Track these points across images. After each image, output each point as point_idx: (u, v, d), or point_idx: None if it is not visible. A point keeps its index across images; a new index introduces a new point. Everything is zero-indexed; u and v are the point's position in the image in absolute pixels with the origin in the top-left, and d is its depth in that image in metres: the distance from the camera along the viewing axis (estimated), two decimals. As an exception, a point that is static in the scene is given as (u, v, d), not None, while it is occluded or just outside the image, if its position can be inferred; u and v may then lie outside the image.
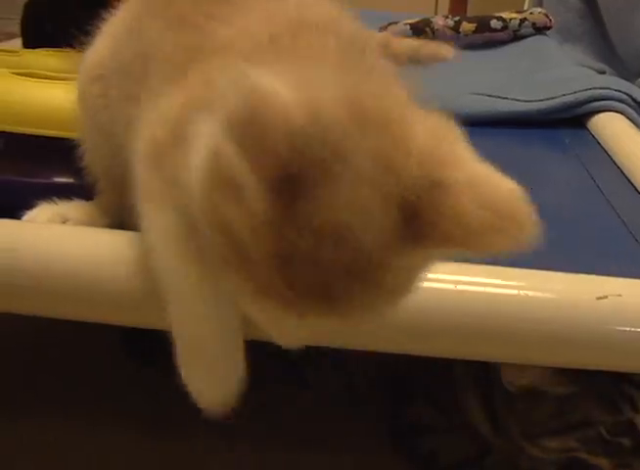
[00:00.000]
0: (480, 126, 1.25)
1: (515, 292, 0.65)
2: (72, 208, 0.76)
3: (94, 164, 0.75)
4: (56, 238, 0.69)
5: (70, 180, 0.83)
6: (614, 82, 1.34)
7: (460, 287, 0.65)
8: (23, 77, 0.84)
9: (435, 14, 3.12)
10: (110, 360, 1.07)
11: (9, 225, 0.70)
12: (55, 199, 0.76)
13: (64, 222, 0.74)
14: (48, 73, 0.86)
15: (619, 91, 1.29)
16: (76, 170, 0.77)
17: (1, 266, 0.67)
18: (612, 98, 1.27)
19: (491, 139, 1.22)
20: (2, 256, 0.67)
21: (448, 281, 0.65)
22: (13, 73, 0.84)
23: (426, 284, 0.64)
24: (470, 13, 3.10)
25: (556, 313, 0.64)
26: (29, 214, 0.74)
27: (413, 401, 0.97)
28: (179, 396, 1.02)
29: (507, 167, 1.08)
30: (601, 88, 1.29)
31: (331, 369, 1.03)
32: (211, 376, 0.58)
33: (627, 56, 1.92)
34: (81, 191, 0.77)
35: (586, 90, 1.27)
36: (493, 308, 0.64)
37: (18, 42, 1.24)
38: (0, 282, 0.67)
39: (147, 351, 1.06)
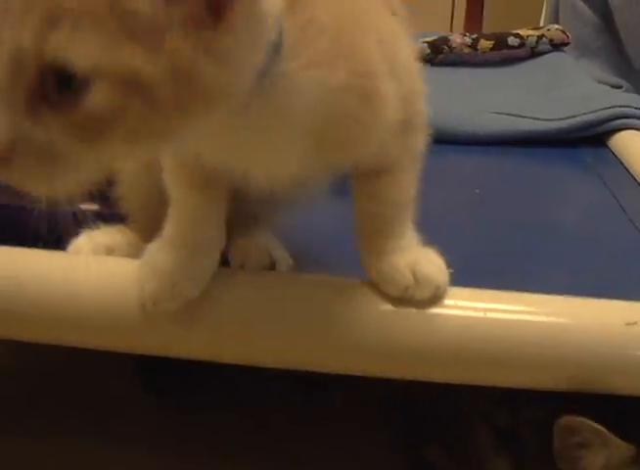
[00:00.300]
0: (500, 145, 1.25)
1: (544, 319, 0.65)
2: (117, 236, 0.76)
3: (130, 195, 0.75)
4: (57, 265, 0.70)
5: (96, 206, 0.82)
6: (634, 100, 1.34)
7: (489, 314, 0.65)
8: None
9: (451, 31, 3.13)
10: (114, 385, 1.07)
11: (10, 253, 0.71)
12: (97, 225, 0.75)
13: (109, 253, 0.74)
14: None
15: (639, 108, 1.29)
16: (103, 196, 0.76)
17: (3, 293, 0.68)
18: (632, 116, 1.27)
19: (512, 158, 1.22)
20: (4, 283, 0.68)
21: (477, 309, 0.65)
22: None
23: (455, 311, 0.65)
24: (485, 30, 3.10)
25: (585, 340, 0.64)
26: (74, 245, 0.74)
27: (429, 437, 0.94)
28: (186, 420, 1.03)
29: (528, 187, 1.10)
30: (621, 106, 1.29)
31: (344, 389, 1.02)
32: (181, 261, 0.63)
33: (644, 70, 1.92)
34: (108, 217, 0.77)
35: (607, 109, 1.27)
36: (522, 335, 0.64)
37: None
38: (2, 309, 0.68)
39: (163, 382, 1.05)
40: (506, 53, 1.70)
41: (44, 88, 0.44)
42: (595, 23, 2.02)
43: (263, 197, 0.66)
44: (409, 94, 0.63)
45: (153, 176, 0.68)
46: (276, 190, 0.63)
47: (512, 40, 1.71)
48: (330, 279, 0.68)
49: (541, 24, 2.22)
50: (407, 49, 0.64)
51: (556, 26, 1.79)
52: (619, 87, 1.95)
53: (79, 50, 0.43)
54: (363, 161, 0.63)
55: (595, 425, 0.69)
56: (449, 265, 0.67)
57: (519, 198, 1.07)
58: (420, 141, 0.66)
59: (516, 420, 0.79)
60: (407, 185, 0.65)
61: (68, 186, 0.48)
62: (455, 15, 3.17)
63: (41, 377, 1.10)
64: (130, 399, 1.05)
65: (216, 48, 0.46)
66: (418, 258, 0.65)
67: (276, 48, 0.51)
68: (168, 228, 0.65)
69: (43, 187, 0.48)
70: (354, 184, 0.66)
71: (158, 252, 0.64)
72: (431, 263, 0.65)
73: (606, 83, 1.93)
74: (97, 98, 0.44)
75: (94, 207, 0.83)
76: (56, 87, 0.44)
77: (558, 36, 1.75)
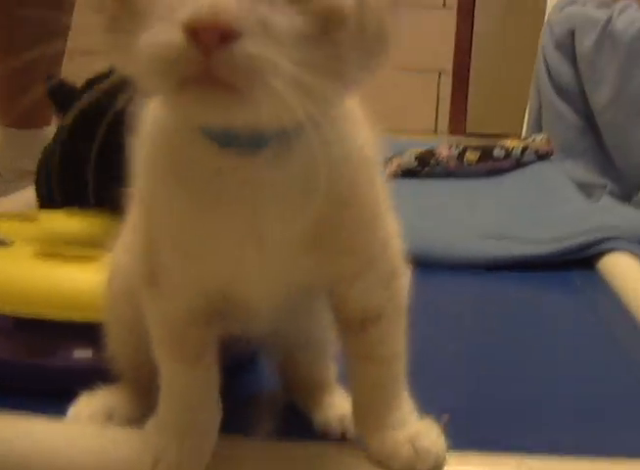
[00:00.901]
0: (489, 270, 1.26)
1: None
2: (115, 398, 0.74)
3: (120, 357, 0.74)
4: (50, 433, 0.69)
5: (90, 353, 0.82)
6: (621, 220, 1.36)
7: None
8: (47, 258, 0.84)
9: (435, 131, 3.20)
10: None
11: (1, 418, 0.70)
12: (96, 385, 0.74)
13: (108, 419, 0.72)
14: (72, 253, 0.86)
15: (627, 231, 1.30)
16: (96, 351, 0.76)
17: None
18: (620, 238, 1.29)
19: (501, 283, 1.23)
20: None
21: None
22: (37, 253, 0.84)
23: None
24: (469, 129, 3.16)
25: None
26: (72, 412, 0.72)
27: None
28: None
29: (518, 317, 1.10)
30: (609, 228, 1.30)
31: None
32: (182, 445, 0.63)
33: (627, 170, 1.96)
34: (101, 373, 0.76)
35: (595, 231, 1.29)
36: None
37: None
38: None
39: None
40: (492, 165, 1.74)
41: None
42: (578, 126, 2.06)
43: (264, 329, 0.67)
44: (390, 238, 0.63)
45: (141, 339, 0.67)
46: (272, 307, 0.63)
47: (497, 152, 1.74)
48: (332, 449, 0.68)
49: (524, 125, 2.26)
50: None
51: (540, 137, 1.83)
52: (604, 187, 1.98)
53: None
54: (354, 291, 0.62)
55: None
56: (439, 413, 0.66)
57: (508, 331, 1.07)
58: (403, 287, 0.65)
59: None
60: (396, 338, 0.65)
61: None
62: (439, 114, 3.23)
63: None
64: None
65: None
66: (418, 432, 0.65)
67: None
68: (163, 410, 0.65)
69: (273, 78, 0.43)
70: (343, 343, 0.66)
71: (157, 438, 0.64)
72: (430, 434, 0.65)
73: (590, 184, 1.97)
74: None
75: (88, 354, 0.83)
76: None
77: (542, 147, 1.78)
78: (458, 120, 3.18)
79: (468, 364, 0.96)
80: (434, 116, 3.22)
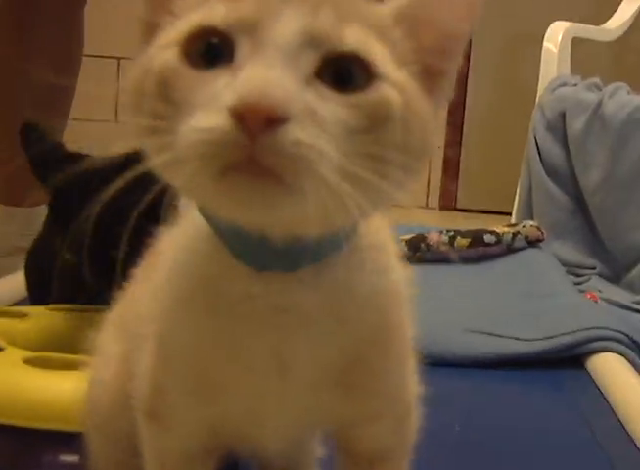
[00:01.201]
0: (478, 368, 1.25)
1: None
2: None
3: (103, 466, 0.74)
4: None
5: (76, 457, 0.81)
6: (611, 321, 1.36)
7: None
8: (36, 365, 0.83)
9: (427, 205, 3.22)
10: None
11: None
12: None
13: None
14: (61, 358, 0.86)
15: (617, 331, 1.30)
16: (82, 457, 0.75)
17: None
18: (610, 338, 1.29)
19: (490, 383, 1.23)
20: None
21: None
22: (26, 359, 0.84)
23: None
24: (460, 205, 3.17)
25: None
26: None
27: None
28: None
29: (507, 421, 1.09)
30: (598, 328, 1.30)
31: None
32: None
33: (617, 251, 1.97)
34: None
35: (584, 330, 1.29)
36: None
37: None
38: None
39: None
40: (482, 250, 1.74)
41: (324, 68, 0.45)
42: (569, 207, 2.07)
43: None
44: (410, 376, 0.61)
45: (124, 452, 0.66)
46: (283, 442, 0.60)
47: (488, 237, 1.75)
48: None
49: (515, 204, 2.27)
50: None
51: (531, 223, 1.84)
52: (593, 268, 1.99)
53: (377, 53, 0.46)
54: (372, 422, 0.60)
55: None
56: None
57: (494, 430, 1.06)
58: (415, 425, 0.63)
59: None
60: None
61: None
62: (430, 190, 3.25)
63: None
64: None
65: (435, 95, 0.50)
66: None
67: None
68: None
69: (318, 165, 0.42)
70: None
71: None
72: None
73: (580, 265, 1.97)
74: (385, 91, 0.46)
75: (74, 458, 0.82)
76: (337, 71, 0.45)
77: (533, 233, 1.79)
78: (449, 196, 3.21)
79: (454, 462, 0.95)
80: (426, 191, 3.23)
